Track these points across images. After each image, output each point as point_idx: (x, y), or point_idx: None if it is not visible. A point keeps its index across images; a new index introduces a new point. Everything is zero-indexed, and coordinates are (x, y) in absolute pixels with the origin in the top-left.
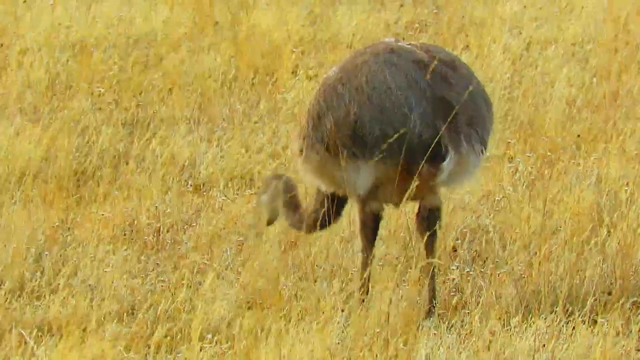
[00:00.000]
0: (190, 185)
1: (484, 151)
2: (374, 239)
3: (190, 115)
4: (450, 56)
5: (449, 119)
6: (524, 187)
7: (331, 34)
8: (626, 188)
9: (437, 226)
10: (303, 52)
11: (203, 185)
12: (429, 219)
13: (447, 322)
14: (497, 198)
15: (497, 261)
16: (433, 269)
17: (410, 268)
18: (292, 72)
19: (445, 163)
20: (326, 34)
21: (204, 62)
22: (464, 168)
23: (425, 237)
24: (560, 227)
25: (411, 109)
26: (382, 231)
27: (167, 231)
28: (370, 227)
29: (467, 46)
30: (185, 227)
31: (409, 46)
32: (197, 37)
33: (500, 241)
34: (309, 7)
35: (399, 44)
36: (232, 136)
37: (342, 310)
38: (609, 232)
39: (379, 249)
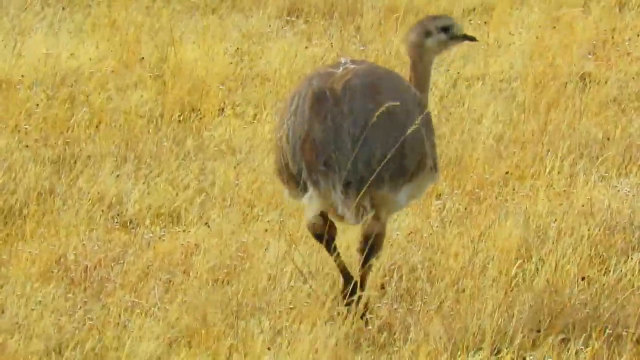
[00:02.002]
0: (117, 222)
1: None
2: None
3: (117, 152)
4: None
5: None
6: (451, 224)
7: (258, 70)
8: (553, 224)
9: (372, 252)
10: (230, 89)
11: (130, 222)
12: (363, 243)
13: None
14: (424, 235)
15: (425, 298)
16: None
17: (338, 304)
18: (219, 109)
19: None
20: (253, 71)
21: (130, 99)
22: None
23: (360, 259)
24: (489, 263)
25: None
26: (310, 268)
27: (95, 268)
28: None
29: None
30: (112, 264)
31: (339, 69)
32: (124, 74)
33: (429, 278)
34: (236, 44)
35: (338, 66)
36: (159, 173)
37: (269, 349)
38: (537, 268)
39: (305, 285)
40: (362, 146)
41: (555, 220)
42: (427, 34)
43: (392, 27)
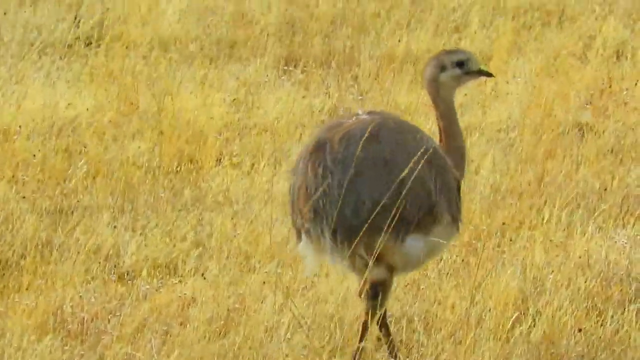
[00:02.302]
0: (114, 274)
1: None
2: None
3: (114, 203)
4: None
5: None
6: (448, 275)
7: (256, 120)
8: (550, 276)
9: (377, 301)
10: (227, 139)
11: (127, 274)
12: (369, 292)
13: None
14: (422, 286)
15: (422, 350)
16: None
17: (335, 356)
18: (217, 159)
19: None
20: (250, 120)
21: (128, 150)
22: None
23: (367, 309)
24: (485, 315)
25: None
26: (306, 320)
27: (92, 320)
28: None
29: None
30: (109, 317)
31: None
32: (121, 124)
33: (426, 330)
34: (233, 93)
35: (352, 117)
36: (156, 224)
37: None
38: (534, 320)
39: (302, 337)
40: (349, 194)
41: (552, 271)
42: (442, 68)
43: (390, 76)
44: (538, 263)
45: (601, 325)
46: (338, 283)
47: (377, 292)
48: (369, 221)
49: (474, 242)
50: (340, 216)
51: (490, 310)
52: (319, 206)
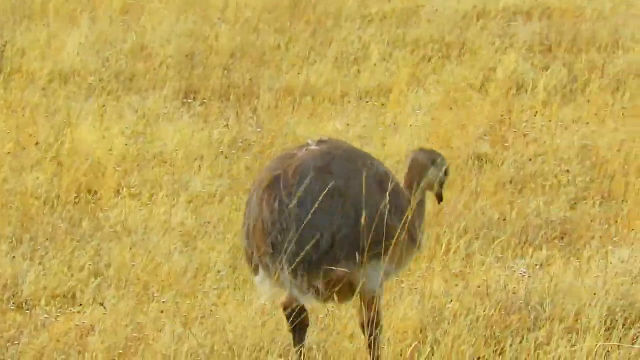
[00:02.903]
0: (13, 304)
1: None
2: None
3: (12, 234)
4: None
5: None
6: (347, 305)
7: (155, 152)
8: (449, 305)
9: (375, 332)
10: (126, 171)
11: (25, 304)
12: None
13: None
14: (320, 316)
15: None
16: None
17: None
18: (116, 191)
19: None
20: (150, 152)
21: (26, 181)
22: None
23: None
24: (384, 344)
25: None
26: (204, 349)
27: None
28: None
29: None
30: (8, 346)
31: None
32: (20, 156)
33: (325, 359)
34: (132, 125)
35: (302, 148)
36: (55, 254)
37: None
38: (432, 349)
39: None
40: (308, 228)
41: (451, 300)
42: (434, 162)
43: (289, 108)
44: (437, 292)
45: (500, 354)
46: (237, 312)
47: (368, 324)
48: (327, 253)
49: None
50: (300, 251)
51: (389, 339)
52: (278, 242)
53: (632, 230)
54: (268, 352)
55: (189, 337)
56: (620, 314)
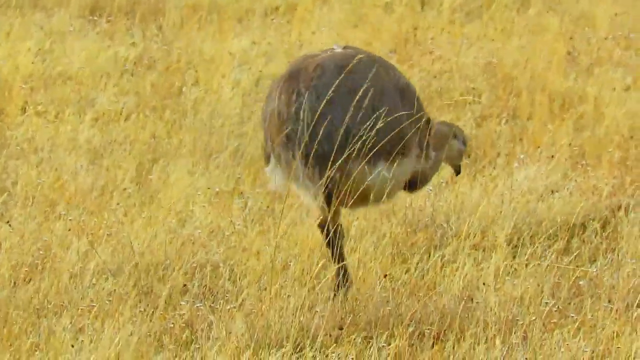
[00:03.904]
0: None
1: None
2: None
3: None
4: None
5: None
6: (253, 222)
7: (61, 69)
8: (355, 223)
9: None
10: (32, 88)
11: None
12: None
13: (178, 358)
14: (227, 233)
15: (227, 297)
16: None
17: (141, 301)
18: (22, 109)
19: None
20: (56, 70)
21: None
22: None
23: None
24: (291, 262)
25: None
26: (110, 266)
27: None
28: None
29: (197, 82)
30: None
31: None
32: None
33: (231, 277)
34: (38, 43)
35: (327, 51)
36: None
37: (72, 346)
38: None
39: (107, 283)
40: (322, 120)
41: (357, 218)
42: (455, 135)
43: (195, 26)
44: (343, 210)
45: (406, 271)
46: (143, 229)
47: (337, 228)
48: (341, 148)
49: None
50: (313, 142)
51: (295, 257)
52: (292, 132)
53: (538, 147)
54: (174, 269)
55: (95, 255)
56: (526, 232)
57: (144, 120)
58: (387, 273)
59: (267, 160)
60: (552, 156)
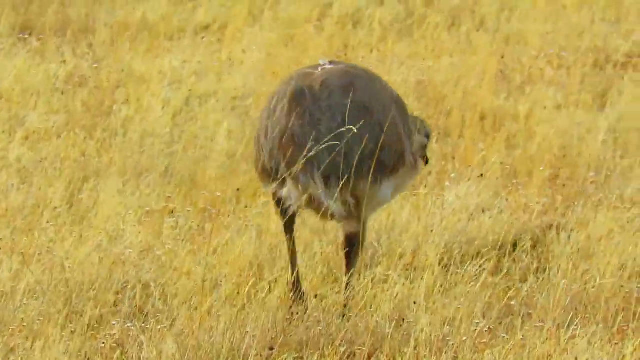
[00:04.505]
0: None
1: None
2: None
3: None
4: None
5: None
6: (184, 241)
7: None
8: None
9: (354, 250)
10: None
11: None
12: (345, 244)
13: None
14: (158, 252)
15: (158, 316)
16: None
17: (71, 321)
18: None
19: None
20: None
21: None
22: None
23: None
24: (222, 281)
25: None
26: (41, 286)
27: None
28: None
29: (127, 100)
30: None
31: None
32: None
33: (161, 296)
34: None
35: (317, 67)
36: None
37: None
38: (270, 286)
39: (38, 303)
40: (339, 140)
41: None
42: (418, 130)
43: (126, 44)
44: (274, 229)
45: (337, 291)
46: (74, 248)
47: (352, 244)
48: (357, 166)
49: (209, 208)
50: (332, 163)
51: (226, 276)
52: (310, 153)
53: (469, 166)
54: (105, 289)
55: (26, 274)
56: (457, 251)
57: (74, 139)
58: (318, 293)
59: (269, 179)
60: (482, 175)
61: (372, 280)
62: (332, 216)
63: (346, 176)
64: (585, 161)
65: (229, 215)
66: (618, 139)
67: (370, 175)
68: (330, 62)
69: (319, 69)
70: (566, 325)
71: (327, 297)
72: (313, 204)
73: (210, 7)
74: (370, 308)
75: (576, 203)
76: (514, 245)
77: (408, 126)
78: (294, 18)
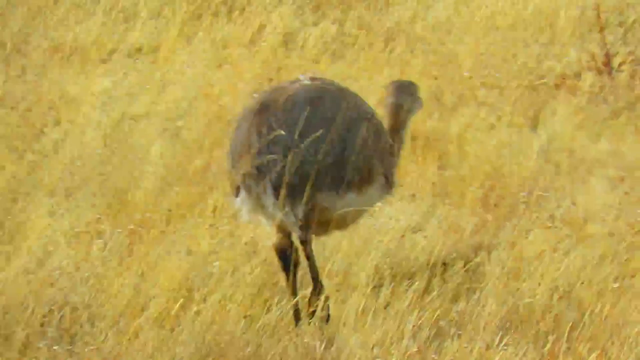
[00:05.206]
0: None
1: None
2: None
3: None
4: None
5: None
6: (113, 262)
7: None
8: (216, 263)
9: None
10: None
11: None
12: (305, 250)
13: None
14: (86, 274)
15: (86, 338)
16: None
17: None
18: None
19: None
20: None
21: None
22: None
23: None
24: (150, 302)
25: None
26: None
27: None
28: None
29: (59, 122)
30: None
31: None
32: None
33: (89, 318)
34: None
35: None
36: None
37: None
38: (199, 307)
39: None
40: (294, 154)
41: (218, 258)
42: (412, 96)
43: (58, 66)
44: (204, 250)
45: (267, 312)
46: (1, 269)
47: (307, 254)
48: (311, 179)
49: (139, 228)
50: (284, 174)
51: (155, 297)
52: (263, 165)
53: (401, 186)
54: (32, 311)
55: None
56: (388, 271)
57: (4, 160)
58: (248, 314)
59: (236, 191)
60: (414, 195)
61: (302, 301)
62: (288, 226)
63: (299, 188)
64: (517, 181)
65: (159, 236)
66: (550, 159)
67: (330, 190)
68: (312, 78)
69: (296, 84)
70: (496, 345)
71: (257, 318)
72: (266, 214)
73: (143, 29)
74: (300, 329)
75: (508, 223)
76: (445, 265)
77: (381, 145)
78: (227, 39)
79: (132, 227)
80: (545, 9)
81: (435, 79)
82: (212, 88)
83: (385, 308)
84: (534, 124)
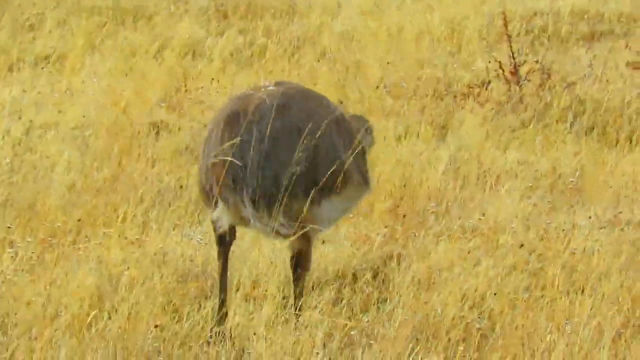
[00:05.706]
0: None
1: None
2: None
3: None
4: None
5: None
6: (24, 272)
7: None
8: (126, 272)
9: (301, 269)
10: None
11: None
12: (292, 262)
13: None
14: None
15: None
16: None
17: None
18: None
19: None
20: None
21: None
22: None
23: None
24: (62, 312)
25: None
26: None
27: None
28: None
29: None
30: None
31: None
32: None
33: (1, 327)
34: None
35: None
36: None
37: None
38: (110, 316)
39: None
40: (268, 163)
41: (128, 268)
42: (366, 129)
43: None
44: (114, 260)
45: (177, 321)
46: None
47: (299, 261)
48: (287, 187)
49: (49, 238)
50: (261, 185)
51: (66, 306)
52: (238, 176)
53: None
54: None
55: None
56: None
57: None
58: (158, 323)
59: (210, 203)
60: None
61: (212, 311)
62: (277, 234)
63: (276, 197)
64: (426, 192)
65: (69, 246)
66: (459, 169)
67: (308, 196)
68: (275, 83)
69: (262, 90)
70: (407, 355)
71: (167, 327)
72: (248, 224)
73: (49, 38)
74: (210, 339)
75: (417, 234)
76: (355, 276)
77: (354, 144)
78: (134, 48)
79: (42, 236)
80: (452, 18)
81: (342, 87)
82: (120, 97)
83: (296, 318)
84: (443, 134)
